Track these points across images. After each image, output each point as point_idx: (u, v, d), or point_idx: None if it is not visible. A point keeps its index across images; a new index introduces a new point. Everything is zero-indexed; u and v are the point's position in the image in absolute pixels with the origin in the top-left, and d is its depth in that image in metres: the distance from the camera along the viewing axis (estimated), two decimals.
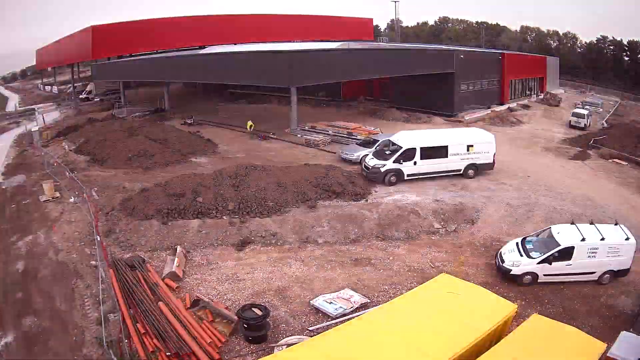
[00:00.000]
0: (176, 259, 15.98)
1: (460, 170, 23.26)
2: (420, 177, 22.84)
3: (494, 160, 23.77)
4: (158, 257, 16.89)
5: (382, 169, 22.33)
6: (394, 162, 22.34)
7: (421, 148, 22.44)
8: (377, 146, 24.28)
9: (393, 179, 22.42)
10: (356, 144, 27.61)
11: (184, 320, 13.06)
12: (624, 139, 33.79)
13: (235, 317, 12.86)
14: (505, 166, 25.22)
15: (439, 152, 22.79)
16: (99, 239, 17.48)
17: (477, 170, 23.51)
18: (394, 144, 23.27)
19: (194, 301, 14.11)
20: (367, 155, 24.15)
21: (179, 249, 16.74)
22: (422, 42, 72.10)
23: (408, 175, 22.64)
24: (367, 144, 26.64)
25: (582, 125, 39.22)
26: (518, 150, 29.94)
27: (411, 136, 23.95)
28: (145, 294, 14.35)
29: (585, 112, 40.88)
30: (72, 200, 21.69)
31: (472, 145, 23.18)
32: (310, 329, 12.89)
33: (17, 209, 21.91)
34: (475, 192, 21.77)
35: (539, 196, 21.59)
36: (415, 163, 22.50)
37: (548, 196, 21.65)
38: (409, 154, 22.39)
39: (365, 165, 23.23)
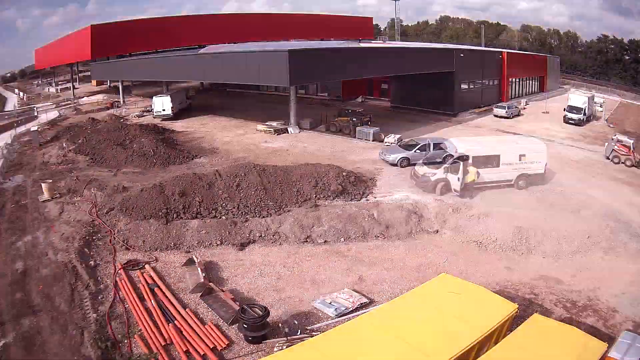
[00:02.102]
0: (199, 269, 15.33)
1: (511, 180, 21.92)
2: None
3: (545, 170, 22.47)
4: (157, 257, 16.86)
5: (433, 178, 20.89)
6: (444, 171, 20.82)
7: (474, 157, 21.00)
8: (428, 153, 22.49)
9: (444, 189, 20.92)
10: (398, 145, 26.70)
11: (186, 321, 13.05)
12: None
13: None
14: None
15: (492, 161, 21.42)
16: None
17: (528, 180, 22.08)
18: (445, 151, 21.90)
19: (207, 288, 14.31)
20: (406, 157, 23.75)
21: (195, 258, 16.01)
22: (423, 41, 72.11)
23: None
24: (408, 146, 25.80)
25: (577, 119, 35.42)
26: None
27: (464, 143, 22.24)
28: (145, 294, 14.33)
29: (582, 103, 36.46)
30: (70, 200, 21.63)
31: (524, 155, 21.89)
32: (310, 328, 12.88)
33: (16, 209, 21.86)
34: (475, 191, 21.71)
35: (541, 194, 21.54)
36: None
37: (549, 194, 21.60)
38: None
39: (414, 173, 21.85)
